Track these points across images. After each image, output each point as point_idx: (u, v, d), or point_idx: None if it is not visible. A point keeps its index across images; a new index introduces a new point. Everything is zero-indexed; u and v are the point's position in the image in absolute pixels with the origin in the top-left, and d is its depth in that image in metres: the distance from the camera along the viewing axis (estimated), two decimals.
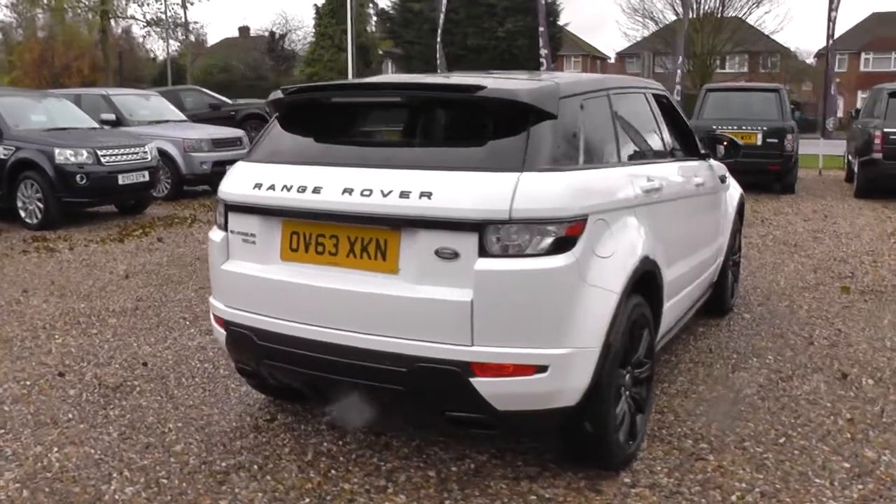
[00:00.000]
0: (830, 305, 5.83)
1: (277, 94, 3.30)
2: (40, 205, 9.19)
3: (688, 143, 4.57)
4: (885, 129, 11.46)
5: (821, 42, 50.97)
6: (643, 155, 3.75)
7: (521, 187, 2.67)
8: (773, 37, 43.01)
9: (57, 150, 9.10)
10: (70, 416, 3.79)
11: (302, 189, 2.95)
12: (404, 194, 2.75)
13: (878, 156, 11.48)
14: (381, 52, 36.39)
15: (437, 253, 2.72)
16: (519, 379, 2.69)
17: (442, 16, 18.04)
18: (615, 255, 2.91)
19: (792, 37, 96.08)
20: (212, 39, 55.39)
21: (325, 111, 3.30)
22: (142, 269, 7.13)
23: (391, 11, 34.03)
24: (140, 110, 12.68)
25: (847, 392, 4.10)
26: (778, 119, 12.38)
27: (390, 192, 2.78)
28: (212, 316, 3.39)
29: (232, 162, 12.86)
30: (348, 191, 2.85)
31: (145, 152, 9.96)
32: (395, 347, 2.76)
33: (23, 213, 9.32)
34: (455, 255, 2.70)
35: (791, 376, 4.33)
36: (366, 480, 3.10)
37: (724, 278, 5.27)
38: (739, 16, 39.47)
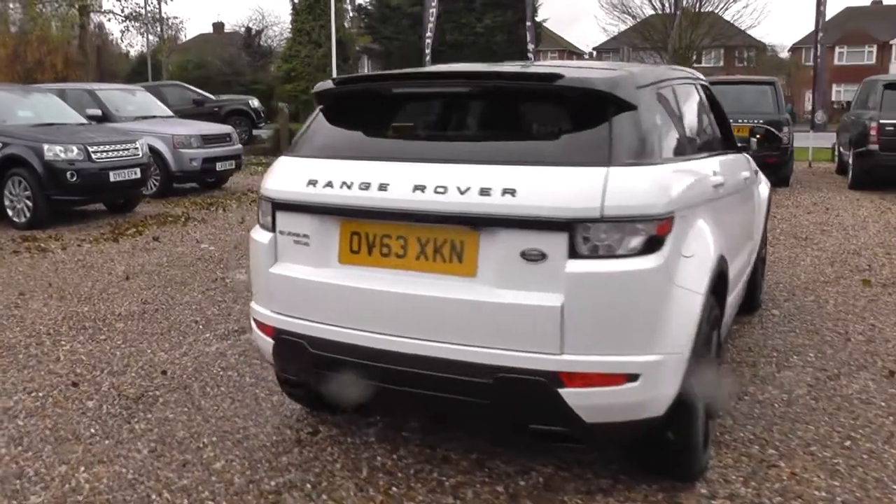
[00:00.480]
0: (856, 299, 5.74)
1: (326, 85, 3.07)
2: (28, 203, 8.80)
3: (727, 136, 4.43)
4: (882, 121, 11.47)
5: (795, 37, 51.32)
6: (704, 148, 3.58)
7: (610, 183, 2.47)
8: (749, 32, 43.33)
9: (46, 147, 8.71)
10: (92, 430, 3.52)
11: (365, 186, 2.71)
12: (485, 191, 2.53)
13: (875, 147, 11.49)
14: (358, 48, 36.02)
15: (522, 255, 2.50)
16: (609, 389, 2.50)
17: (433, 10, 17.74)
18: (696, 254, 2.74)
19: (767, 32, 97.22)
20: (185, 35, 54.40)
21: (383, 102, 3.07)
22: (141, 270, 6.82)
23: (369, 7, 33.70)
24: (126, 105, 12.28)
25: None
26: (774, 112, 12.32)
27: (468, 189, 2.55)
28: (253, 322, 3.15)
29: (221, 159, 12.62)
30: (420, 188, 2.61)
31: (136, 149, 9.61)
32: (475, 357, 2.54)
33: (10, 212, 8.92)
34: (542, 257, 2.49)
35: (838, 374, 4.21)
36: (431, 498, 2.88)
37: (756, 274, 5.14)
38: (717, 11, 39.70)
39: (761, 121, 12.09)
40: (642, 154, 2.60)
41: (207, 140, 11.71)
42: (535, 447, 3.17)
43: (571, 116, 2.70)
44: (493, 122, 2.93)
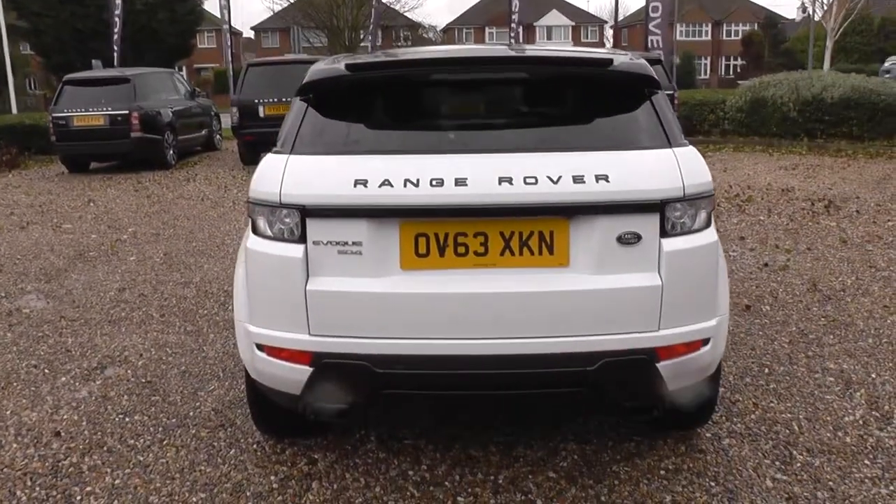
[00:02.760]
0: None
1: (337, 70, 2.67)
2: None
3: None
4: None
5: (449, 18, 55.30)
6: None
7: (682, 163, 2.56)
8: (407, 14, 46.23)
9: None
10: None
11: (438, 182, 2.44)
12: (578, 179, 2.45)
13: None
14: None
15: (619, 239, 2.49)
16: (692, 356, 2.63)
17: None
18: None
19: (429, 13, 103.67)
20: None
21: (417, 89, 2.78)
22: None
23: None
24: None
25: None
26: None
27: (559, 177, 2.45)
28: (260, 352, 2.67)
29: None
30: (506, 180, 2.44)
31: None
32: (577, 346, 2.50)
33: None
34: (637, 239, 2.51)
35: None
36: (503, 499, 2.79)
37: None
38: None
39: None
40: (682, 134, 2.77)
41: None
42: (531, 428, 3.24)
43: (622, 101, 2.71)
44: (548, 108, 2.78)
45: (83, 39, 26.70)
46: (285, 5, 41.72)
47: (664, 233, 2.54)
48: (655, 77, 2.74)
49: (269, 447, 3.21)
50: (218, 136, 15.80)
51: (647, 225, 2.52)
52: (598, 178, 2.48)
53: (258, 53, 54.10)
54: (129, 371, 4.15)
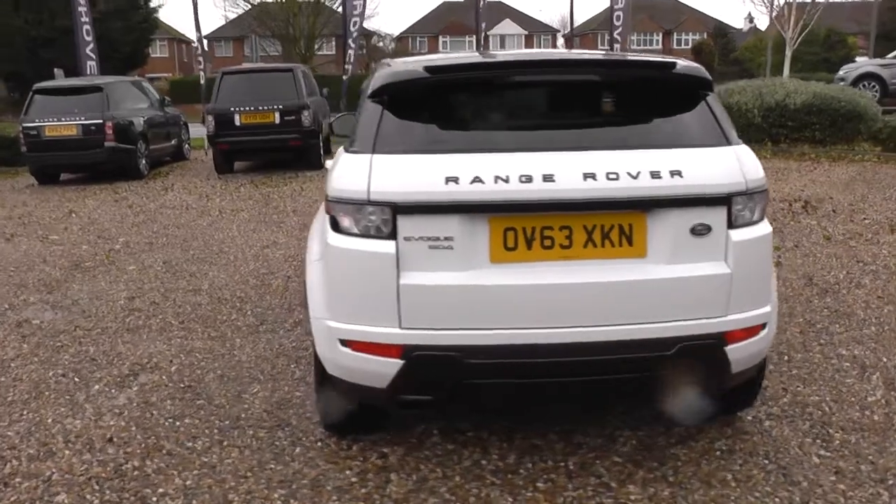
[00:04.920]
0: None
1: (416, 73, 2.76)
2: None
3: None
4: None
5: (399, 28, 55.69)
6: None
7: (742, 160, 2.77)
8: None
9: None
10: None
11: (527, 179, 2.57)
12: (655, 175, 2.62)
13: None
14: None
15: (692, 230, 2.67)
16: (753, 339, 2.81)
17: None
18: None
19: (382, 23, 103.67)
20: None
21: (495, 90, 2.89)
22: None
23: None
24: None
25: None
26: (294, 97, 12.40)
27: (639, 173, 2.61)
28: (344, 348, 2.74)
29: None
30: (590, 176, 2.58)
31: None
32: (656, 332, 2.66)
33: None
34: (708, 230, 2.69)
35: None
36: (583, 483, 2.91)
37: None
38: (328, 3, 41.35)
39: (281, 106, 12.17)
40: (734, 132, 2.94)
41: None
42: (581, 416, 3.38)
43: (684, 101, 2.87)
44: (620, 108, 2.89)
45: (35, 48, 26.05)
46: (241, 13, 41.36)
47: (730, 224, 2.73)
48: (711, 79, 2.91)
49: (334, 444, 3.26)
50: (187, 146, 15.61)
51: (716, 217, 2.70)
52: (672, 173, 2.65)
53: (212, 63, 53.42)
54: (163, 377, 4.13)
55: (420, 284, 2.61)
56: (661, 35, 60.87)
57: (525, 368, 2.67)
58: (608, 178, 2.61)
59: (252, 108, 12.25)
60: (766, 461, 3.10)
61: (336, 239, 2.73)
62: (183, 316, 5.21)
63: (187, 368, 4.25)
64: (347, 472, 3.02)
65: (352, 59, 17.53)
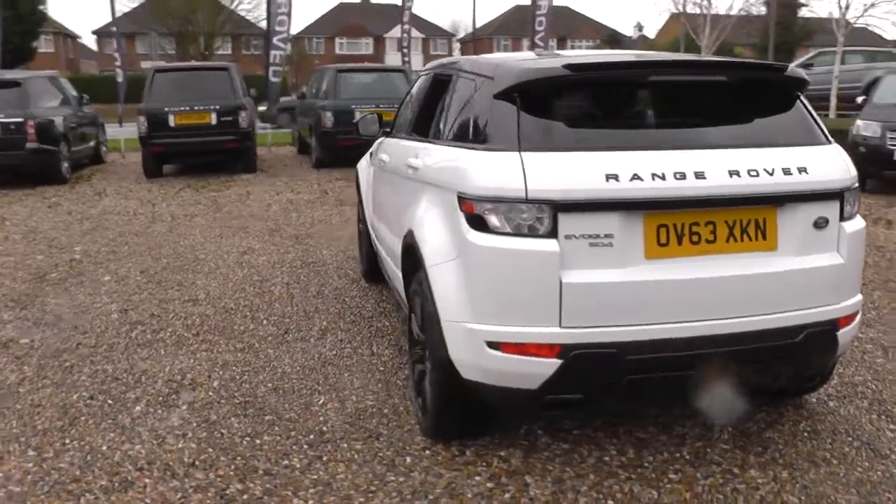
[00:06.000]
0: None
1: (557, 71, 2.73)
2: None
3: None
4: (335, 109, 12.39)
5: (295, 28, 54.69)
6: None
7: (845, 157, 2.97)
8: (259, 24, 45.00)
9: None
10: None
11: (681, 176, 2.63)
12: (787, 171, 2.76)
13: (330, 130, 12.30)
14: None
15: (814, 223, 2.81)
16: (852, 325, 3.01)
17: None
18: None
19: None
20: None
21: (641, 89, 2.94)
22: None
23: None
24: None
25: None
26: (231, 97, 11.97)
27: (773, 170, 2.74)
28: (493, 353, 2.68)
29: None
30: (735, 173, 2.69)
31: None
32: (788, 321, 2.78)
33: None
34: (826, 223, 2.84)
35: None
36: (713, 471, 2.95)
37: None
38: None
39: (218, 106, 11.64)
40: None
41: None
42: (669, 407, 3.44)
43: (790, 101, 3.02)
44: (745, 107, 2.97)
45: None
46: (135, 6, 39.28)
47: (842, 217, 2.90)
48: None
49: (444, 451, 3.16)
50: (104, 148, 14.67)
51: (833, 211, 2.87)
52: (799, 170, 2.79)
53: (99, 59, 50.59)
54: (210, 393, 3.87)
55: (582, 283, 2.59)
56: (555, 41, 62.35)
57: (678, 362, 2.70)
58: (749, 175, 2.71)
59: (187, 108, 11.65)
60: (850, 438, 3.27)
61: (483, 238, 2.64)
62: (195, 328, 4.90)
63: (232, 383, 3.99)
64: (477, 477, 2.94)
65: (278, 60, 16.98)
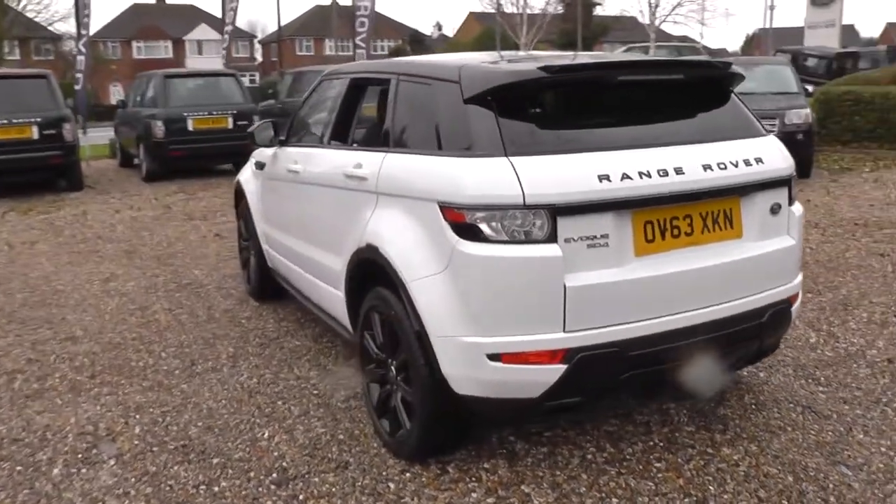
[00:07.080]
0: None
1: (533, 73, 2.69)
2: None
3: None
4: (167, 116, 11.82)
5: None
6: None
7: (782, 147, 3.21)
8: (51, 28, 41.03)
9: None
10: None
11: (663, 172, 2.71)
12: (747, 162, 2.93)
13: (162, 139, 11.74)
14: None
15: (770, 210, 3.03)
16: (799, 300, 3.32)
17: None
18: None
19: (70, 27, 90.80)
20: None
21: (615, 89, 2.95)
22: None
23: None
24: None
25: None
26: (53, 107, 10.81)
27: (737, 162, 2.90)
28: (494, 365, 2.63)
29: None
30: (707, 167, 2.82)
31: None
32: (755, 303, 2.98)
33: None
34: (779, 208, 3.08)
35: None
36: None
37: None
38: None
39: (40, 119, 10.48)
40: None
41: None
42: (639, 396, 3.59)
43: (728, 96, 3.21)
44: (701, 103, 3.09)
45: None
46: None
47: (790, 202, 3.17)
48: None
49: (424, 470, 3.07)
50: None
51: (783, 196, 3.12)
52: (756, 160, 3.00)
53: None
54: (136, 442, 3.48)
55: (584, 285, 2.60)
56: (169, 43, 61.17)
57: (671, 353, 2.81)
58: (719, 168, 2.88)
59: (6, 122, 10.34)
60: (792, 405, 3.58)
61: (476, 248, 2.57)
62: (87, 369, 4.38)
63: (156, 427, 3.62)
64: (474, 494, 2.88)
65: (83, 66, 15.50)
